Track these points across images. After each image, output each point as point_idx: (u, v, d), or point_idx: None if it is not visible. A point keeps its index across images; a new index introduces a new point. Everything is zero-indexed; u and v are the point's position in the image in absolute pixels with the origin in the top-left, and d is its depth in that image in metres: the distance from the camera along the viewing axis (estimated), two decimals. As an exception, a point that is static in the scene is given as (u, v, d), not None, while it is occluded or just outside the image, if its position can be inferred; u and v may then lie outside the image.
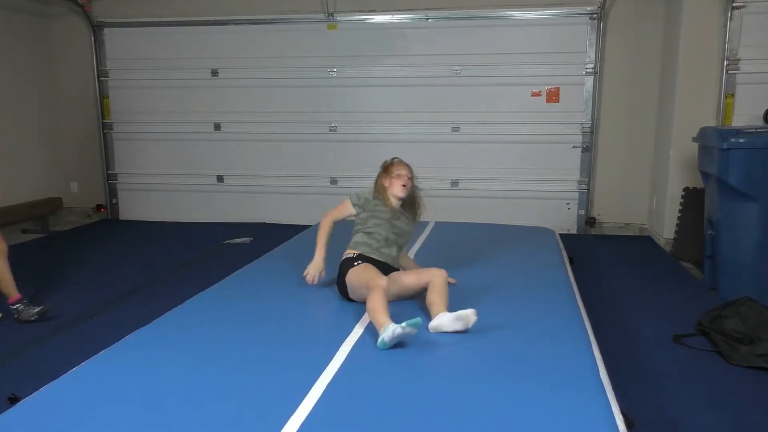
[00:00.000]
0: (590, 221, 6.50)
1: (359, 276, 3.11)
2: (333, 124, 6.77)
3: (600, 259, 5.49)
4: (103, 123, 7.19)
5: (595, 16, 6.14)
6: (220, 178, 7.09)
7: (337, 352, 2.58)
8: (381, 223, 3.36)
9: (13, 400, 2.47)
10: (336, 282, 3.31)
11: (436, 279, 3.05)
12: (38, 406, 2.17)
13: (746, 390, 2.99)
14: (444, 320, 2.77)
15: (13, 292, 3.88)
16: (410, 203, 3.53)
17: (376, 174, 3.56)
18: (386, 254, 3.34)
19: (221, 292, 3.52)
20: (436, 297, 2.96)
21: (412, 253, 4.24)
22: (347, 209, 3.48)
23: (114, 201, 7.36)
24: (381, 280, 2.97)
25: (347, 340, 2.71)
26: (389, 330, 2.57)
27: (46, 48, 7.11)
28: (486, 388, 2.28)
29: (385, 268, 3.27)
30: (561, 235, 5.30)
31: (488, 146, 6.53)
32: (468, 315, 2.76)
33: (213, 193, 7.11)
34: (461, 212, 6.43)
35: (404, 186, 3.41)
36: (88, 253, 5.80)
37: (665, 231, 5.82)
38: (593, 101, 6.29)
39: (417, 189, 3.54)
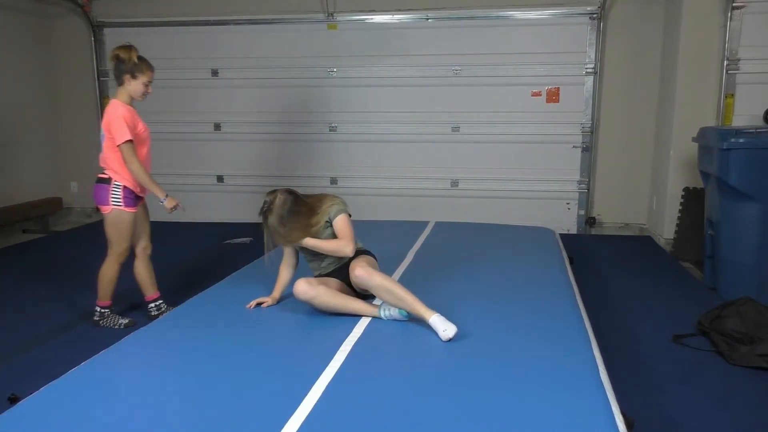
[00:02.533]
0: (590, 221, 6.50)
1: (325, 305, 2.98)
2: (333, 124, 6.77)
3: (600, 259, 5.49)
4: (103, 123, 7.19)
5: (595, 16, 6.14)
6: (220, 178, 7.09)
7: (337, 352, 2.57)
8: (307, 258, 3.21)
9: (13, 400, 2.47)
10: None
11: (355, 275, 2.89)
12: (38, 406, 2.17)
13: (746, 390, 2.99)
14: (440, 330, 2.70)
15: (150, 291, 3.94)
16: (305, 217, 3.03)
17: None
18: (327, 264, 3.18)
19: (221, 292, 3.52)
20: (388, 294, 2.83)
21: (412, 253, 4.24)
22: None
23: (114, 201, 7.35)
24: (320, 289, 2.92)
25: (347, 340, 2.71)
26: (383, 309, 2.86)
27: (46, 48, 7.12)
28: (485, 388, 2.27)
29: (339, 271, 3.15)
30: (561, 235, 5.30)
31: (488, 146, 6.53)
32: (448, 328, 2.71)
33: (213, 193, 7.11)
34: (461, 212, 6.44)
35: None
36: (88, 253, 5.79)
37: (665, 231, 5.82)
38: (593, 101, 6.29)
39: (288, 204, 2.97)
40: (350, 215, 3.14)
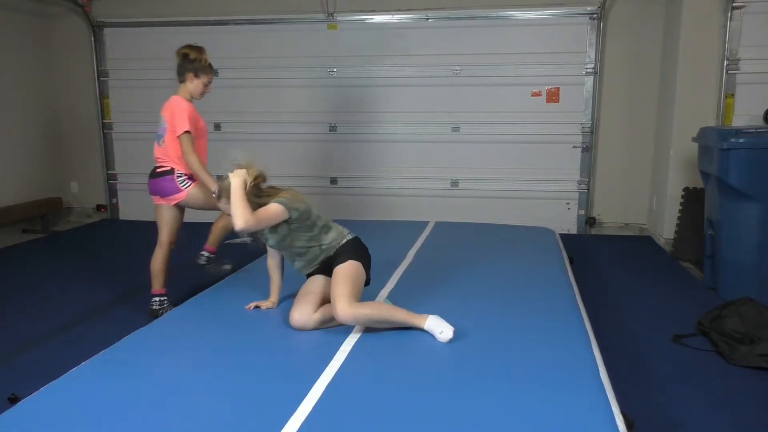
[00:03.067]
0: (590, 221, 6.50)
1: (329, 326, 2.91)
2: (333, 124, 6.77)
3: (600, 259, 5.49)
4: (103, 123, 7.19)
5: (595, 16, 6.14)
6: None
7: (337, 352, 2.58)
8: (286, 255, 3.10)
9: (13, 400, 2.48)
10: None
11: (340, 321, 2.75)
12: (38, 406, 2.17)
13: (746, 390, 2.99)
14: (436, 333, 2.71)
15: (158, 285, 3.97)
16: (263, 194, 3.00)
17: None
18: (300, 267, 3.08)
19: (221, 292, 3.53)
20: (378, 323, 2.76)
21: (412, 253, 4.24)
22: None
23: (114, 201, 7.35)
24: (315, 317, 2.87)
25: (347, 340, 2.71)
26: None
27: (46, 48, 7.11)
28: (485, 388, 2.28)
29: (324, 268, 3.02)
30: (561, 235, 5.30)
31: (488, 146, 6.53)
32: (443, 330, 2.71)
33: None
34: (461, 212, 6.44)
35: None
36: (88, 253, 5.80)
37: (665, 231, 5.82)
38: (593, 101, 6.29)
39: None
40: (290, 215, 2.89)
